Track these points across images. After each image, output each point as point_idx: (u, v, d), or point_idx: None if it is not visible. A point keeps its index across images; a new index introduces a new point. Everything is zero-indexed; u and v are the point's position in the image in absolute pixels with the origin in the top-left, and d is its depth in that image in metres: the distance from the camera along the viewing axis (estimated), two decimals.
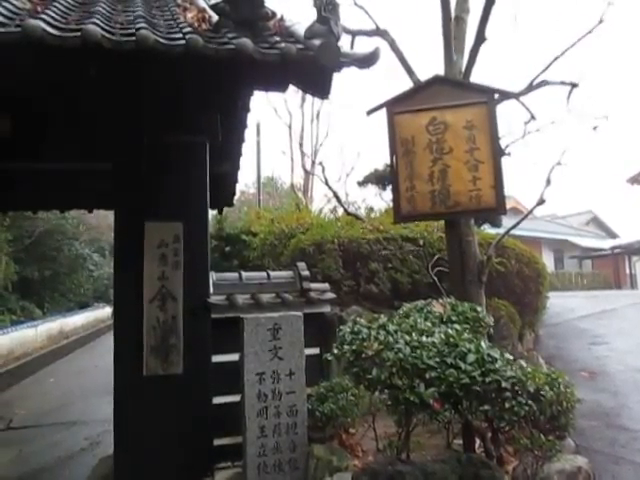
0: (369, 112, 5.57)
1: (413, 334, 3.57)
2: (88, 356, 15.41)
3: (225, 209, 8.91)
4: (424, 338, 3.50)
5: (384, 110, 5.44)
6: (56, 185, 6.28)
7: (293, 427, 4.20)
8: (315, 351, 5.02)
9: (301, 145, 26.03)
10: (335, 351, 3.77)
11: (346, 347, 3.66)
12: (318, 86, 4.02)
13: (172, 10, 4.57)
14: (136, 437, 4.39)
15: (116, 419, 4.48)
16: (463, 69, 5.84)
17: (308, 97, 25.97)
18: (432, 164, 5.21)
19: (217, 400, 4.64)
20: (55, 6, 3.82)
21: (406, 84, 6.25)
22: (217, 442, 4.62)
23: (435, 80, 5.46)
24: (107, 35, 3.11)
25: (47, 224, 18.11)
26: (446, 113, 5.22)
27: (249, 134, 6.34)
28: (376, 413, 4.46)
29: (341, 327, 4.07)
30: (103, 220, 20.12)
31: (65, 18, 3.56)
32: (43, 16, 3.28)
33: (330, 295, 5.38)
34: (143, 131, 4.21)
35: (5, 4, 3.63)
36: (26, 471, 5.32)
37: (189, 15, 4.21)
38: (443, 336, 3.54)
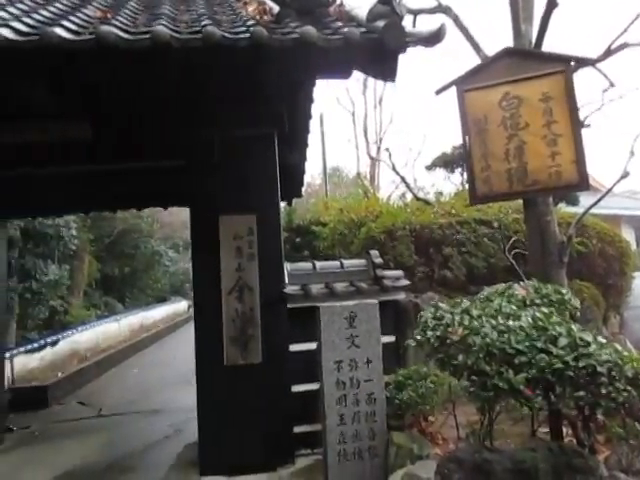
0: (438, 91, 5.39)
1: (499, 318, 3.44)
2: (167, 348, 16.09)
3: (293, 201, 9.01)
4: (510, 322, 3.35)
5: (453, 89, 5.26)
6: (133, 184, 6.52)
7: (372, 415, 4.18)
8: (391, 339, 4.96)
9: (365, 132, 25.82)
10: (418, 337, 3.68)
11: (429, 333, 3.57)
12: (383, 69, 3.93)
13: (233, 6, 4.62)
14: (219, 425, 4.53)
15: (199, 407, 4.65)
16: (533, 40, 5.53)
17: (370, 83, 25.73)
18: (507, 141, 4.99)
19: (295, 388, 4.71)
20: (123, 12, 3.95)
21: (469, 63, 6.02)
22: (297, 429, 4.69)
23: (505, 53, 5.21)
24: (175, 34, 3.17)
25: (124, 223, 18.95)
26: (519, 87, 4.97)
27: (313, 125, 6.35)
28: (456, 400, 4.35)
29: (421, 313, 3.98)
30: (176, 217, 20.85)
31: (133, 22, 3.67)
32: (114, 22, 3.39)
33: (404, 282, 5.30)
34: (214, 127, 4.28)
35: (78, 14, 3.78)
36: (117, 455, 5.62)
37: (250, 9, 4.24)
38: (530, 319, 3.38)
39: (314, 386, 4.35)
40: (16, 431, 6.88)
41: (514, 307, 3.70)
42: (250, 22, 3.51)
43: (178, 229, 24.42)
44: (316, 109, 5.80)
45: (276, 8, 3.89)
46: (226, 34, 3.19)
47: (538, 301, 3.98)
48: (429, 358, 3.85)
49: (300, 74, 4.23)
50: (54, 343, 10.65)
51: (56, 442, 6.38)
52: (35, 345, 10.06)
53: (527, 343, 3.11)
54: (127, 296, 20.76)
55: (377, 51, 3.61)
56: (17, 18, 3.60)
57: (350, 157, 44.89)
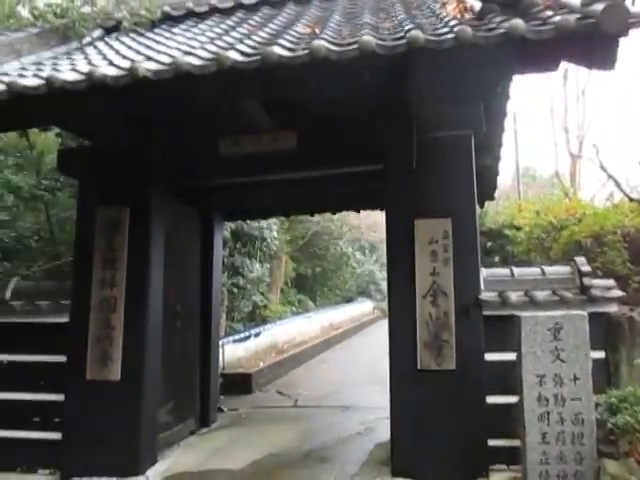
0: None
1: None
2: (354, 347, 16.64)
3: (485, 203, 8.68)
4: None
5: None
6: (330, 189, 6.89)
7: (579, 437, 3.84)
8: (599, 355, 4.51)
9: (565, 128, 23.75)
10: None
11: None
12: (600, 57, 3.56)
13: (431, 7, 4.60)
14: (411, 428, 4.54)
15: (392, 409, 4.71)
16: None
17: (571, 74, 23.61)
18: None
19: (490, 400, 4.53)
20: (328, 25, 4.20)
21: None
22: (491, 443, 4.49)
23: None
24: (380, 42, 3.27)
25: (316, 226, 20.11)
26: None
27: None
28: None
29: None
30: (363, 220, 21.48)
31: (339, 34, 3.87)
32: (323, 36, 3.62)
33: (616, 293, 4.77)
34: (413, 130, 4.32)
35: (290, 32, 4.11)
36: (313, 445, 5.95)
37: (450, 8, 4.18)
38: None
39: (511, 399, 4.15)
40: (226, 412, 7.69)
41: None
42: (452, 22, 3.47)
43: (365, 232, 25.12)
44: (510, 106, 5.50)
45: (478, 4, 3.79)
46: (429, 37, 3.20)
47: None
48: None
49: (503, 71, 4.05)
50: (257, 335, 11.72)
51: (259, 426, 7.00)
52: (242, 335, 11.18)
53: None
54: (318, 295, 21.99)
55: (594, 38, 3.29)
56: (240, 41, 4.05)
57: (544, 156, 41.55)
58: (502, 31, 3.16)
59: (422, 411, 4.52)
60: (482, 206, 8.72)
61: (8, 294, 5.50)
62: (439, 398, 4.51)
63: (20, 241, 8.17)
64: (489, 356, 4.57)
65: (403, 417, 4.62)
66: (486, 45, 3.14)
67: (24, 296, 5.52)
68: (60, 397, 5.21)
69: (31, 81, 3.72)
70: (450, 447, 4.46)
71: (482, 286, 4.73)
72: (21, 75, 4.07)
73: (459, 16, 3.81)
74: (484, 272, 4.87)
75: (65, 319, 5.32)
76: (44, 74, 3.82)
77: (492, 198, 8.23)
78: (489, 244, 9.54)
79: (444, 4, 4.46)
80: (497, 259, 9.26)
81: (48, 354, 5.32)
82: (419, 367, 4.56)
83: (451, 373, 4.51)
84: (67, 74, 3.76)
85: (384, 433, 5.92)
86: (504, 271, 5.09)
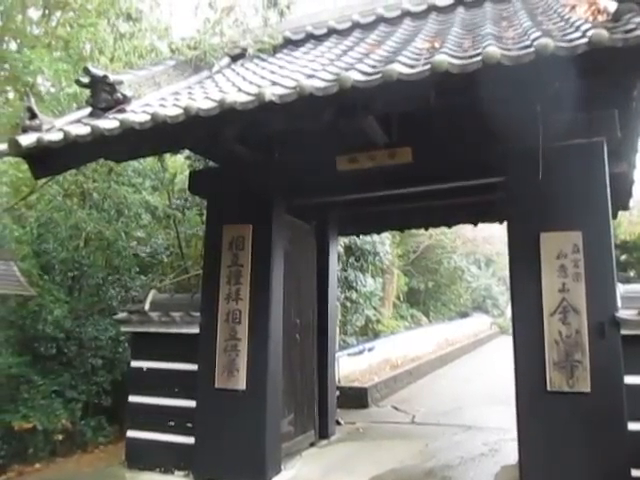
0: None
1: None
2: (471, 364, 16.08)
3: (619, 213, 8.03)
4: None
5: None
6: (444, 202, 6.77)
7: None
8: None
9: None
10: None
11: None
12: None
13: (558, 12, 4.38)
14: (543, 453, 4.29)
15: (520, 431, 4.48)
16: None
17: None
18: None
19: (632, 426, 4.17)
20: (448, 39, 4.15)
21: None
22: (635, 473, 4.13)
23: None
24: (505, 52, 3.18)
25: (429, 239, 19.77)
26: None
27: None
28: None
29: None
30: (479, 233, 20.75)
31: (460, 47, 3.81)
32: (444, 50, 3.59)
33: None
34: (539, 140, 4.14)
35: (410, 48, 4.13)
36: (435, 464, 5.82)
37: (580, 11, 3.96)
38: None
39: None
40: (343, 425, 7.76)
41: None
42: (585, 26, 3.28)
43: (480, 244, 24.26)
44: None
45: (612, 5, 3.54)
46: (560, 43, 3.06)
47: None
48: None
49: (634, 74, 3.77)
50: (371, 349, 11.72)
51: (377, 440, 6.99)
52: (356, 349, 11.25)
53: None
54: (431, 309, 21.57)
55: None
56: (359, 60, 4.14)
57: None
58: None
59: (554, 435, 4.26)
60: (615, 217, 8.09)
61: (147, 306, 6.00)
62: (572, 422, 4.23)
63: (154, 256, 8.92)
64: (629, 379, 4.22)
65: (532, 441, 4.38)
66: (624, 48, 2.94)
67: (159, 307, 6.00)
68: (192, 403, 5.57)
69: (171, 110, 4.06)
70: (584, 474, 4.16)
71: (619, 303, 4.38)
72: (162, 105, 4.47)
73: (592, 18, 3.60)
74: (621, 288, 4.51)
75: (196, 330, 5.70)
76: (182, 103, 4.16)
77: (627, 208, 7.60)
78: (623, 257, 8.83)
79: (574, 7, 4.24)
80: (633, 274, 8.55)
81: (182, 362, 5.72)
82: (549, 388, 4.30)
83: (585, 396, 4.21)
84: (202, 102, 4.06)
85: (509, 455, 5.68)
86: None
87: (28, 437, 6.01)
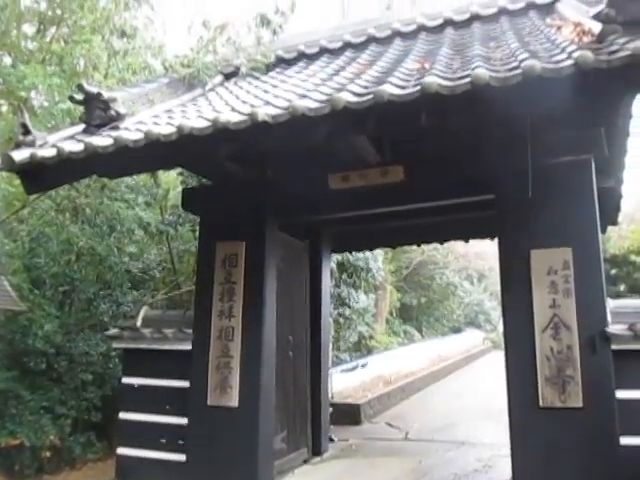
0: None
1: None
2: (464, 379, 16.06)
3: (607, 228, 8.13)
4: None
5: None
6: (436, 220, 6.82)
7: None
8: None
9: None
10: None
11: None
12: None
13: (545, 33, 4.49)
14: (536, 469, 4.30)
15: (513, 448, 4.49)
16: None
17: None
18: None
19: (624, 441, 4.20)
20: (438, 59, 4.23)
21: None
22: None
23: None
24: (493, 74, 3.25)
25: (421, 255, 19.84)
26: None
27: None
28: None
29: None
30: (471, 248, 20.88)
31: (450, 68, 3.88)
32: (434, 71, 3.66)
33: None
34: (528, 158, 4.21)
35: (400, 69, 4.19)
36: None
37: (566, 32, 4.06)
38: None
39: None
40: (336, 442, 7.71)
41: None
42: (570, 47, 3.36)
43: (472, 260, 24.39)
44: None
45: (596, 26, 3.63)
46: (547, 65, 3.13)
47: None
48: None
49: (625, 92, 3.85)
50: (364, 365, 11.69)
51: (370, 458, 6.95)
52: (349, 366, 11.22)
53: None
54: (424, 325, 21.58)
55: None
56: (351, 81, 4.20)
57: None
58: (627, 53, 3.01)
59: (547, 451, 4.27)
60: (604, 232, 8.18)
61: (139, 322, 5.98)
62: (566, 437, 4.24)
63: (147, 272, 8.90)
64: (621, 393, 4.26)
65: (526, 457, 4.39)
66: (609, 69, 3.02)
67: (152, 324, 5.97)
68: (183, 420, 5.53)
69: (165, 129, 4.10)
70: None
71: (609, 318, 4.43)
72: (155, 123, 4.50)
73: (577, 40, 3.68)
74: (611, 303, 4.56)
75: (188, 347, 5.67)
76: (175, 122, 4.20)
77: (615, 223, 7.71)
78: (613, 271, 8.91)
79: (559, 28, 4.35)
80: (623, 288, 8.61)
81: (173, 379, 5.69)
82: (541, 404, 4.32)
83: (578, 411, 4.24)
84: (195, 121, 4.10)
85: (503, 471, 5.66)
86: (636, 302, 4.73)
87: (15, 453, 5.94)
